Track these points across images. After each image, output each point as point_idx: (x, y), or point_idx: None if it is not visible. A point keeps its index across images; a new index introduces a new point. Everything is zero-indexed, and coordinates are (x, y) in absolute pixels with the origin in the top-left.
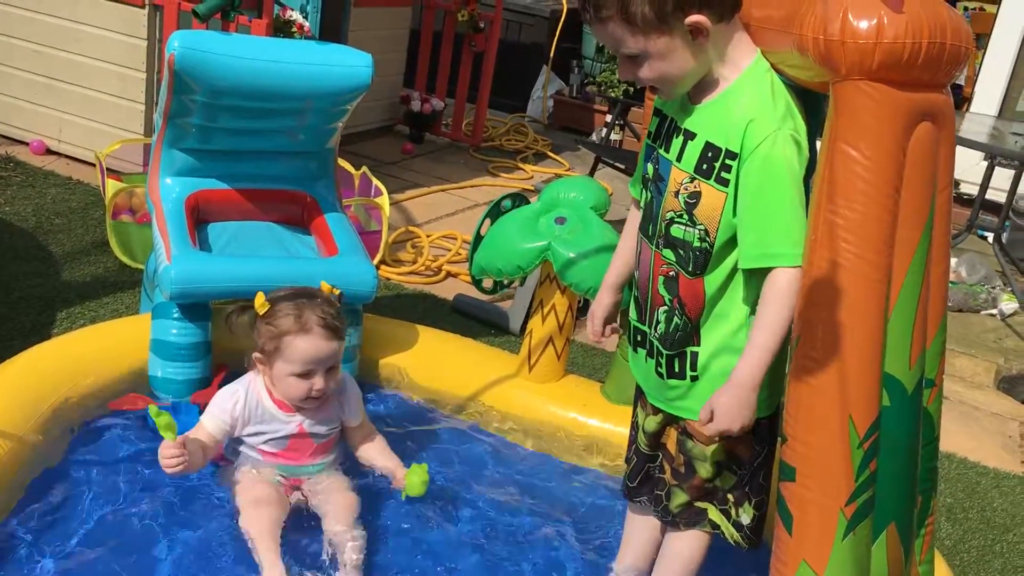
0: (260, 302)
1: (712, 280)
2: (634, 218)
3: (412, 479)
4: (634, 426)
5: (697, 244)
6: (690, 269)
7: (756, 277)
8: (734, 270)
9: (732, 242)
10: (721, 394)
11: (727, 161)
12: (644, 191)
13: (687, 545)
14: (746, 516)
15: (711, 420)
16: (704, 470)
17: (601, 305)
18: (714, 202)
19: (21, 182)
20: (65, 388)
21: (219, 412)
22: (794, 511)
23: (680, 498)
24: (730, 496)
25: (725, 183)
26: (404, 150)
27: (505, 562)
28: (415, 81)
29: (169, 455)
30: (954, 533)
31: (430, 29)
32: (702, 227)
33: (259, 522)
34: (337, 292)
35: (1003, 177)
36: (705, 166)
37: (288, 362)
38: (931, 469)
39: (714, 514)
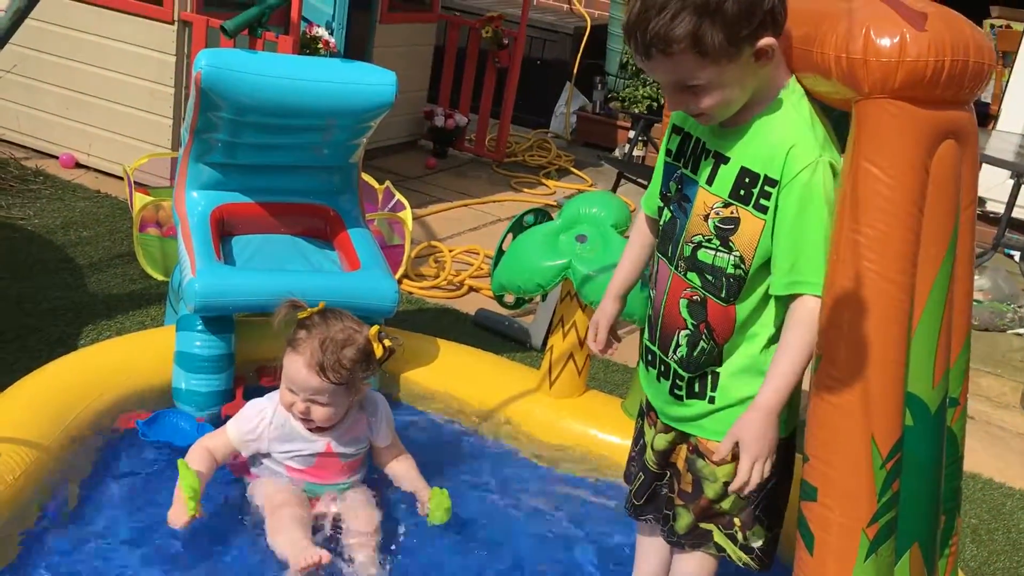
0: (309, 309)
1: (745, 306)
2: (641, 229)
3: (434, 508)
4: (638, 443)
5: (731, 271)
6: (723, 295)
7: (785, 300)
8: (766, 295)
9: (765, 268)
10: (745, 423)
11: (766, 188)
12: (664, 209)
13: (694, 567)
14: (756, 539)
15: (734, 454)
16: (712, 491)
17: (605, 314)
18: (753, 228)
19: (50, 195)
20: (91, 399)
21: (245, 424)
22: (815, 531)
23: (685, 519)
24: (736, 520)
25: (764, 210)
26: (427, 165)
27: None
28: (439, 97)
29: (180, 523)
30: (979, 554)
31: (454, 45)
32: (738, 254)
33: (283, 520)
34: (388, 344)
35: None
36: (743, 192)
37: (284, 370)
38: (955, 488)
39: (719, 537)
